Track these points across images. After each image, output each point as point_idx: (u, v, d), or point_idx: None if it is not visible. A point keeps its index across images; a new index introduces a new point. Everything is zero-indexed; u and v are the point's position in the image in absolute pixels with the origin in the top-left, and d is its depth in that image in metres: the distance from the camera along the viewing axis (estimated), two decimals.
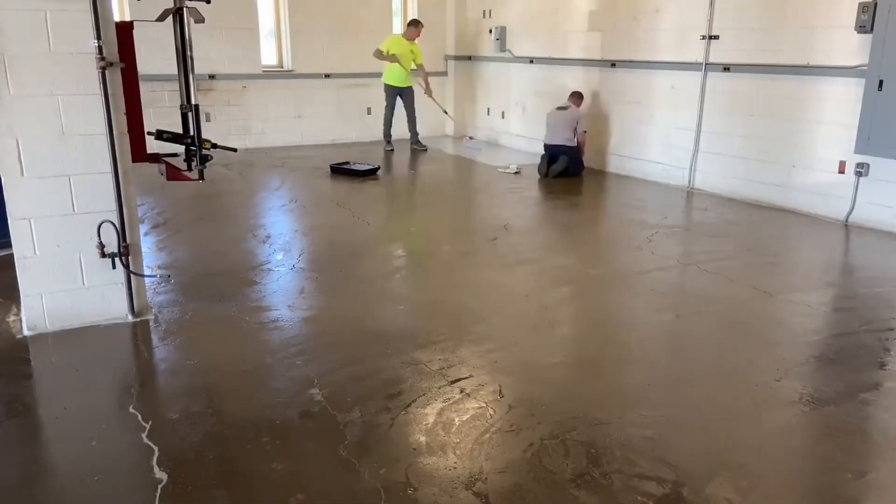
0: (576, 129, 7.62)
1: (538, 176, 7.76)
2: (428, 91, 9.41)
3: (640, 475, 2.43)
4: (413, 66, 9.25)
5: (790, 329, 3.77)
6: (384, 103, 9.41)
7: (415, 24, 9.28)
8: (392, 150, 9.35)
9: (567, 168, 7.65)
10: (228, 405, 2.92)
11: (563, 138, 7.63)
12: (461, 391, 3.00)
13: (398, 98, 9.32)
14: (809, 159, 5.77)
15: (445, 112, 9.73)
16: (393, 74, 9.22)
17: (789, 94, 6.12)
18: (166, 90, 7.63)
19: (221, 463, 2.51)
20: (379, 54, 9.04)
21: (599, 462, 2.50)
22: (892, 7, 5.12)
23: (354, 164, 8.00)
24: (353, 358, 3.32)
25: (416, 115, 9.46)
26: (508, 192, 7.13)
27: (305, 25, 9.56)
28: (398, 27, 10.48)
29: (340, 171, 7.85)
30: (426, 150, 9.42)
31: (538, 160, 7.90)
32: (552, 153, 7.71)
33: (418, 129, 9.52)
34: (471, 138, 9.09)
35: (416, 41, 9.24)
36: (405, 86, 9.27)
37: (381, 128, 9.47)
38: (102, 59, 3.27)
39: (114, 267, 3.57)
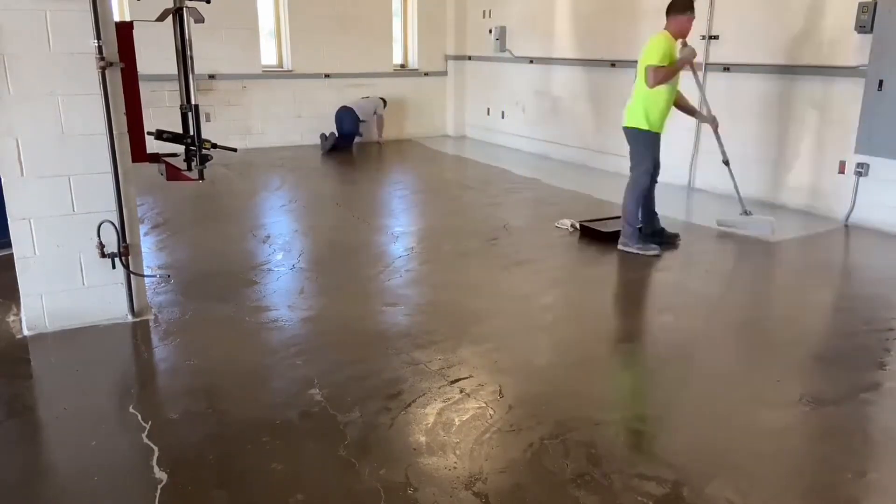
0: None
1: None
2: (712, 122, 5.37)
3: (640, 475, 2.43)
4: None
5: (790, 329, 3.77)
6: (639, 166, 5.00)
7: (688, 9, 4.99)
8: (659, 255, 4.91)
9: None
10: (228, 405, 2.92)
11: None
12: (461, 391, 3.00)
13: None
14: (809, 159, 5.76)
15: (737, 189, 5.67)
16: (661, 110, 4.89)
17: (789, 93, 6.11)
18: (166, 90, 7.62)
19: (221, 463, 2.51)
20: (665, 75, 4.76)
21: (599, 462, 2.50)
22: (892, 7, 5.12)
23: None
24: (353, 358, 3.32)
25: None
26: None
27: (305, 25, 9.56)
28: (398, 27, 10.40)
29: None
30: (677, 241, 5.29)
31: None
32: None
33: None
34: (748, 213, 5.57)
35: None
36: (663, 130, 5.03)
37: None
38: (102, 59, 3.27)
39: (114, 267, 3.57)
